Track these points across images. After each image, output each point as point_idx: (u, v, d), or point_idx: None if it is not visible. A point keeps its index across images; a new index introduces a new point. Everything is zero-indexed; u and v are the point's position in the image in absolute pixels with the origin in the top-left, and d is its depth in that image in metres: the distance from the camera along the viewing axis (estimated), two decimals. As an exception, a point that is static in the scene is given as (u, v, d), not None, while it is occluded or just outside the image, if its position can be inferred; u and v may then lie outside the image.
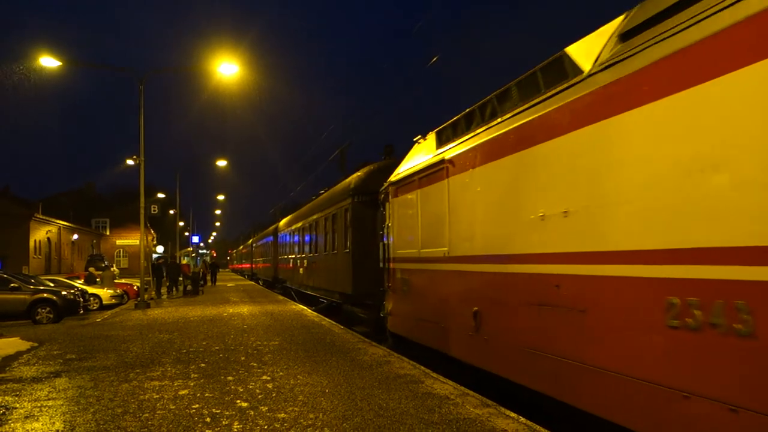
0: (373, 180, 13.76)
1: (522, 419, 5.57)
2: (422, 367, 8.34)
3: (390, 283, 10.54)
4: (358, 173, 15.39)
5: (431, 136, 9.14)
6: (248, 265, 57.06)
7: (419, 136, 9.89)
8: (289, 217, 29.81)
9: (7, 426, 5.67)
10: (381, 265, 11.08)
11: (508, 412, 5.86)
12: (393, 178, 10.56)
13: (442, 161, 8.07)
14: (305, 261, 22.42)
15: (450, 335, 7.86)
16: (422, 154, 9.32)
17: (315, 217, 20.20)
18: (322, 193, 21.16)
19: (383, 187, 11.16)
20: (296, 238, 25.16)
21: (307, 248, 22.15)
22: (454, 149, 7.87)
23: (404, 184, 9.80)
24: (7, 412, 6.18)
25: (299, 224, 24.14)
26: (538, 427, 5.33)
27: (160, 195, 54.45)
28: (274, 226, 36.00)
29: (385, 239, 10.86)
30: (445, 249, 7.91)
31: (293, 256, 26.04)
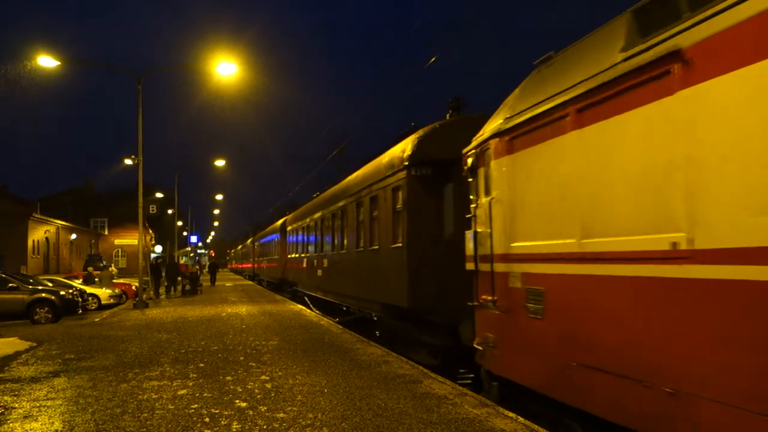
0: (437, 144, 9.97)
1: (520, 419, 5.59)
2: (420, 367, 8.36)
3: (493, 295, 6.65)
4: (416, 134, 10.65)
5: (602, 33, 5.20)
6: (249, 265, 56.21)
7: (543, 57, 6.30)
8: (301, 209, 25.04)
9: (6, 426, 5.68)
10: (470, 266, 7.27)
11: (506, 412, 5.87)
12: (500, 125, 6.56)
13: (671, 56, 4.05)
14: (325, 260, 17.98)
15: (708, 418, 3.73)
16: (565, 77, 5.53)
17: (342, 203, 15.57)
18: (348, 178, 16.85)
19: (473, 145, 7.35)
20: (313, 232, 20.64)
21: (328, 245, 17.57)
22: (721, 17, 3.70)
23: (533, 128, 5.90)
24: (6, 412, 6.18)
25: (317, 215, 19.46)
26: (537, 426, 5.35)
27: (159, 195, 54.41)
28: (282, 219, 31.32)
29: (476, 226, 7.16)
30: (678, 236, 4.07)
31: (307, 254, 21.60)
